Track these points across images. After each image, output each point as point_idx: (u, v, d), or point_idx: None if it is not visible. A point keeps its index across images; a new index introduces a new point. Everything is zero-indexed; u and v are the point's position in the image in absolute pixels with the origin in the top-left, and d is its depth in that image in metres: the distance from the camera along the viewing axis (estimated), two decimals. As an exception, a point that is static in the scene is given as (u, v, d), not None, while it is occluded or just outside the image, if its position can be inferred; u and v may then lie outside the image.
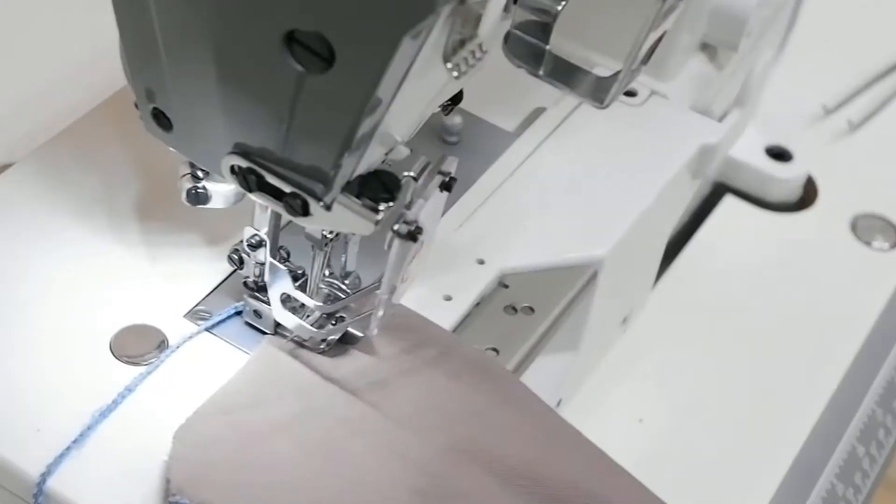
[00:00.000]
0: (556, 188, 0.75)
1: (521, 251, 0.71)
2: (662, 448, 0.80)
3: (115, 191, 0.71)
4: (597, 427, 0.79)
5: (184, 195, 0.63)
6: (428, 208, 0.58)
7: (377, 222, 0.56)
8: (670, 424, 0.81)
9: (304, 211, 0.56)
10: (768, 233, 0.95)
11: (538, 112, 0.80)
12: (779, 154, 0.97)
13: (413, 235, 0.57)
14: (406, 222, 0.57)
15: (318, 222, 0.57)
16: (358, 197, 0.56)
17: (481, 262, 0.71)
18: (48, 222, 0.69)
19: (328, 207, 0.55)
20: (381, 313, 0.61)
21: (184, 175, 0.64)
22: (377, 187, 0.56)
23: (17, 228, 0.68)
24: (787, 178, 0.96)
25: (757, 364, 0.86)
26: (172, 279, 0.67)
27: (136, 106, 0.60)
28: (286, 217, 0.59)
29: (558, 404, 0.78)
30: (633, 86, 0.82)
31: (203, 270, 0.68)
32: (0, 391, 0.61)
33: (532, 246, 0.72)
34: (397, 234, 0.57)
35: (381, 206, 0.56)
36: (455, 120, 0.76)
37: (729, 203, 0.96)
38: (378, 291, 0.60)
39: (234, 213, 0.65)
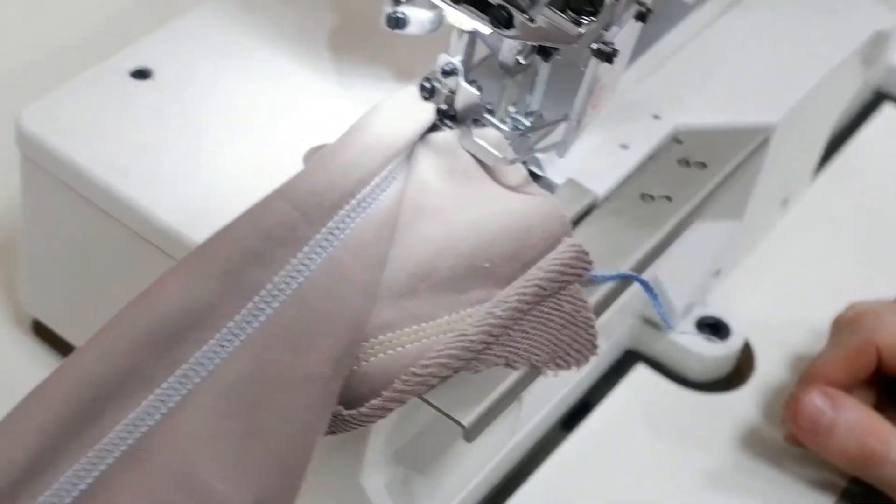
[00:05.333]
0: (734, 54, 0.77)
1: (696, 110, 0.73)
2: (818, 326, 0.80)
3: (311, 23, 0.73)
4: (748, 306, 0.81)
5: (383, 19, 0.66)
6: (623, 34, 0.61)
7: (579, 35, 0.58)
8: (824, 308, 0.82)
9: (508, 23, 0.58)
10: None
11: (718, -11, 0.81)
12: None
13: (609, 56, 0.60)
14: (604, 42, 0.59)
15: (521, 35, 0.59)
16: (562, 11, 0.58)
17: (657, 116, 0.72)
18: (241, 47, 0.71)
19: (532, 20, 0.58)
20: (566, 139, 0.63)
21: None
22: (582, 1, 0.58)
23: (209, 53, 0.70)
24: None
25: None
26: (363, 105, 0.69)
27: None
28: (485, 33, 0.60)
29: (717, 273, 0.80)
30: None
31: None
32: (183, 206, 0.63)
33: (707, 106, 0.74)
34: (595, 52, 0.59)
35: (584, 20, 0.58)
36: (641, -10, 0.78)
37: (888, 111, 0.97)
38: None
39: (426, 50, 0.67)
